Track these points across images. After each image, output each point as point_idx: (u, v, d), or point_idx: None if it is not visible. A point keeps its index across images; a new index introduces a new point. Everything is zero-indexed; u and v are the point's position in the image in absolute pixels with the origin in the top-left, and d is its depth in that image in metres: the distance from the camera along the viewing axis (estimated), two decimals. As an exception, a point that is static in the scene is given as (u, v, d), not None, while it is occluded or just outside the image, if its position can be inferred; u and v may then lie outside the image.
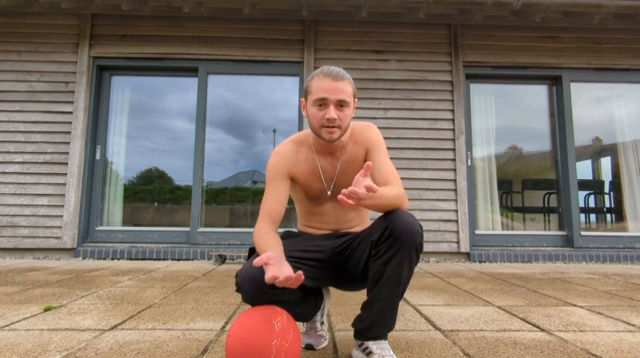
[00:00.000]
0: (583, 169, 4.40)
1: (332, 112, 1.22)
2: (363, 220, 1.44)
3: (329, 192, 1.37)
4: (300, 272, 1.01)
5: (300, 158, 1.36)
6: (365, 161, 1.35)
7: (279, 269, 1.03)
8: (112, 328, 1.57)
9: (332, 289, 2.48)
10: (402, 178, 4.08)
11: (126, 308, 1.89)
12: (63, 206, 3.91)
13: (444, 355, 1.31)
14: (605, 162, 4.54)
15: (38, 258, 3.85)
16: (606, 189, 4.54)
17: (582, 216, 4.38)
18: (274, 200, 1.30)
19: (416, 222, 1.15)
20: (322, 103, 1.24)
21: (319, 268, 1.28)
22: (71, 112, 4.03)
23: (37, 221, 3.89)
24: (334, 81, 1.24)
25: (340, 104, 1.24)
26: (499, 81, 4.46)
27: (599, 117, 4.48)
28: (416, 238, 1.13)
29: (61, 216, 3.90)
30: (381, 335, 1.21)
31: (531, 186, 4.49)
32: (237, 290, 1.14)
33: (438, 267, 3.53)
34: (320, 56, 4.21)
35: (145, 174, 4.39)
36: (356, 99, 1.33)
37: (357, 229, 1.40)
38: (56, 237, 3.87)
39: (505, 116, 4.48)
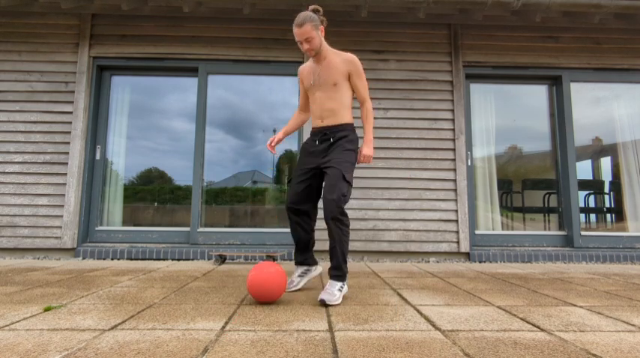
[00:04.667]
0: (583, 169, 4.40)
1: (304, 47, 2.10)
2: (340, 114, 2.18)
3: (312, 82, 2.23)
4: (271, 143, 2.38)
5: (307, 67, 2.30)
6: (344, 74, 2.16)
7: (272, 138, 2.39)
8: (112, 328, 1.57)
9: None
10: (402, 178, 4.09)
11: (126, 308, 1.89)
12: (63, 206, 3.91)
13: (444, 355, 1.31)
14: (605, 162, 4.54)
15: (38, 258, 3.85)
16: (606, 189, 4.54)
17: (582, 216, 4.38)
18: (302, 96, 2.43)
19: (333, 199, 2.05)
20: (299, 42, 2.11)
21: (309, 176, 2.23)
22: (71, 112, 4.03)
23: (37, 221, 3.89)
24: (297, 28, 2.06)
25: (306, 40, 2.07)
26: (499, 81, 4.46)
27: (599, 117, 4.48)
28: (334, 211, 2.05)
29: (61, 216, 3.90)
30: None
31: (531, 186, 4.49)
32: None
33: (438, 267, 3.53)
34: (320, 56, 4.20)
35: (145, 174, 4.39)
36: (321, 27, 2.12)
37: (336, 120, 2.18)
38: (56, 237, 3.87)
39: (505, 116, 4.48)
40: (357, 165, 2.20)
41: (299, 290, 2.38)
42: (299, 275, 2.34)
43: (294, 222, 2.25)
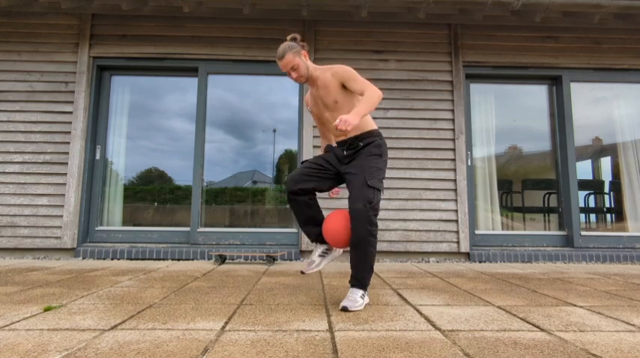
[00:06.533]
0: (583, 169, 4.40)
1: (292, 76, 2.11)
2: (361, 123, 2.11)
3: (320, 104, 2.19)
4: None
5: (309, 95, 2.28)
6: (339, 87, 2.09)
7: None
8: (112, 328, 1.57)
9: (331, 290, 2.46)
10: (401, 178, 4.09)
11: (126, 308, 1.89)
12: (63, 206, 3.91)
13: (444, 355, 1.31)
14: (605, 162, 4.54)
15: (38, 258, 3.85)
16: (606, 189, 4.54)
17: (582, 216, 4.38)
18: (317, 124, 2.33)
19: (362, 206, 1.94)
20: (287, 73, 2.11)
21: (325, 174, 2.15)
22: (71, 112, 4.03)
23: (37, 221, 3.89)
24: (280, 60, 2.07)
25: (292, 69, 2.08)
26: (499, 81, 4.46)
27: (599, 117, 4.48)
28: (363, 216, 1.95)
29: (61, 216, 3.90)
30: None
31: (531, 186, 4.49)
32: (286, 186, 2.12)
33: (438, 267, 3.53)
34: (320, 56, 4.21)
35: (145, 174, 4.39)
36: (303, 52, 2.12)
37: (360, 129, 2.11)
38: (56, 237, 3.87)
39: (505, 116, 4.48)
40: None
41: (299, 287, 2.38)
42: (320, 255, 2.18)
43: (294, 200, 2.11)
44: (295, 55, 2.06)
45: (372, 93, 1.98)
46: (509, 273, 3.19)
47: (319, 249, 2.20)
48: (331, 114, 2.16)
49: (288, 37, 2.14)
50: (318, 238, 2.18)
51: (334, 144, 2.26)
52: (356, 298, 1.94)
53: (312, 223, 2.17)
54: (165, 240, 4.09)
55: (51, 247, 3.87)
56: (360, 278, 1.99)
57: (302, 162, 2.21)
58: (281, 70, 2.10)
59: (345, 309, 1.89)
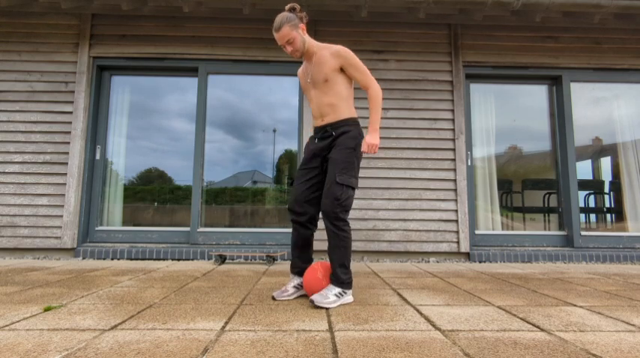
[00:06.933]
0: (583, 169, 4.40)
1: (287, 50, 2.06)
2: (339, 109, 2.09)
3: (308, 80, 2.17)
4: None
5: (302, 68, 2.24)
6: (336, 68, 2.05)
7: None
8: (112, 328, 1.57)
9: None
10: (401, 178, 4.09)
11: (126, 308, 1.89)
12: (63, 206, 3.91)
13: (444, 355, 1.31)
14: (605, 162, 4.54)
15: (38, 258, 3.85)
16: (606, 189, 4.54)
17: (582, 216, 4.38)
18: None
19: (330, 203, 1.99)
20: (282, 46, 2.07)
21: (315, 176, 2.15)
22: (71, 112, 4.03)
23: (37, 221, 3.89)
24: (276, 32, 2.02)
25: (288, 42, 2.03)
26: (499, 81, 4.46)
27: (599, 117, 4.48)
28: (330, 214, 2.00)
29: (61, 216, 3.90)
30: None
31: (531, 186, 4.49)
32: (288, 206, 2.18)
33: (438, 267, 3.53)
34: (320, 56, 4.20)
35: (145, 174, 4.39)
36: (301, 25, 2.05)
37: (337, 116, 2.08)
38: (56, 237, 3.87)
39: (505, 116, 4.48)
40: (364, 155, 2.14)
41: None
42: (294, 287, 2.18)
43: (296, 229, 2.16)
44: (292, 28, 2.01)
45: (377, 96, 2.05)
46: (509, 273, 3.19)
47: (295, 280, 2.20)
48: (316, 92, 2.11)
49: (287, 7, 2.06)
50: (298, 272, 2.20)
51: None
52: (327, 294, 1.96)
53: (303, 258, 2.20)
54: (165, 240, 4.09)
55: (51, 247, 3.87)
56: (335, 274, 2.02)
57: (290, 184, 2.27)
58: (278, 42, 2.03)
59: (312, 302, 1.92)
